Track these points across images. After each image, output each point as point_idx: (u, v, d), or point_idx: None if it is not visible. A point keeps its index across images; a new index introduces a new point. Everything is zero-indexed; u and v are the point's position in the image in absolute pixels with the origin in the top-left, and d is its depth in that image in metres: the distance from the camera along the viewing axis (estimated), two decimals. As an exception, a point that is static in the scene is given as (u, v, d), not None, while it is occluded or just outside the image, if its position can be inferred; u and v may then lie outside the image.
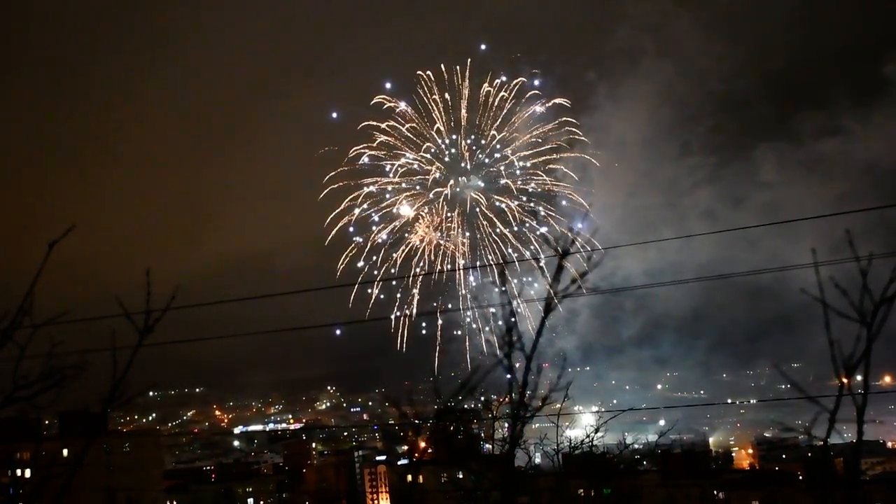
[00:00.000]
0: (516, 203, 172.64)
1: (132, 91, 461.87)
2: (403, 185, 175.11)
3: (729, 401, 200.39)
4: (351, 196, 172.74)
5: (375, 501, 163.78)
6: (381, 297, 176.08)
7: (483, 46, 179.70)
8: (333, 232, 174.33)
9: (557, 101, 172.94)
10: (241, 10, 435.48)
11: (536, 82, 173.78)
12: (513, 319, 6.86)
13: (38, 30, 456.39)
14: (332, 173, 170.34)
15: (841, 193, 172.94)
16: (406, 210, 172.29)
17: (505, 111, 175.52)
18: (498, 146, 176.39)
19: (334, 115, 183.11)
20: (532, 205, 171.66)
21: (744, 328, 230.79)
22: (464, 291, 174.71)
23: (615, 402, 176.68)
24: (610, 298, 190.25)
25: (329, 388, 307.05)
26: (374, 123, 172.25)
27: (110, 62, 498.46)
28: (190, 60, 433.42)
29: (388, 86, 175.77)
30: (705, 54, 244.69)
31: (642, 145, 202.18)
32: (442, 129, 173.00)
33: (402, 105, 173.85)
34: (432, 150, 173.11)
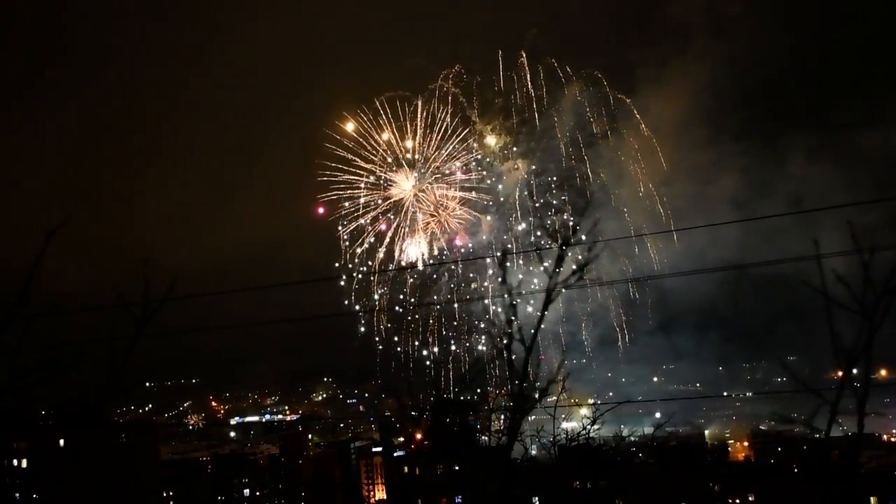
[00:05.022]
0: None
1: (141, 81, 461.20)
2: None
3: (725, 393, 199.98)
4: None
5: (371, 492, 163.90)
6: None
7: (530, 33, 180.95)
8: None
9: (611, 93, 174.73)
10: (260, 12, 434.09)
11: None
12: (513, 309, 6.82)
13: (54, 19, 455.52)
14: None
15: (876, 183, 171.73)
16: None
17: (550, 98, 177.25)
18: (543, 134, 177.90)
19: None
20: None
21: (759, 321, 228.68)
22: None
23: (611, 394, 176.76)
24: (626, 290, 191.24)
25: (325, 379, 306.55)
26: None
27: (119, 51, 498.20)
28: (203, 53, 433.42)
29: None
30: (752, 38, 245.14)
31: (677, 132, 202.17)
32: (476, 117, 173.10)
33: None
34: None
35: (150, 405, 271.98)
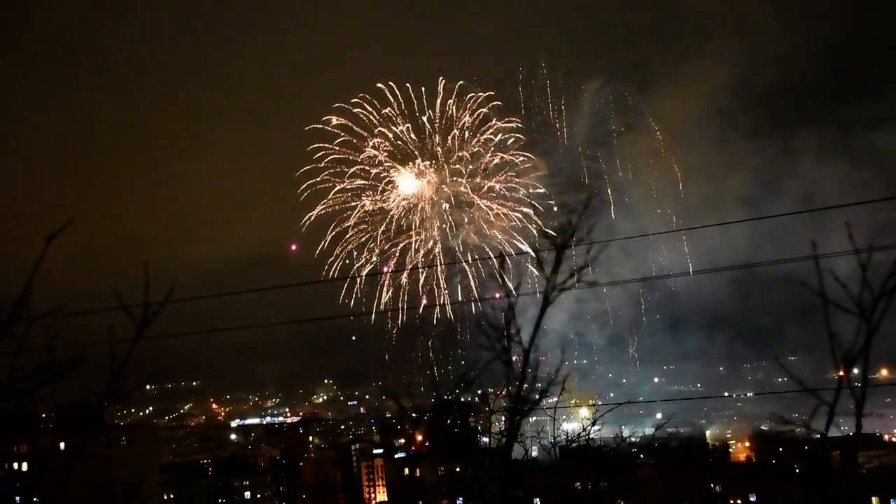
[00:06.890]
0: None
1: (138, 84, 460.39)
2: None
3: (726, 394, 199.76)
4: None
5: (372, 494, 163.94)
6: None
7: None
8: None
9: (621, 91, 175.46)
10: (265, 15, 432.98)
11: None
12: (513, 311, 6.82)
13: (45, 24, 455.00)
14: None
15: (888, 182, 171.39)
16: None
17: (567, 98, 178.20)
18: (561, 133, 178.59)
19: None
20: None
21: (765, 320, 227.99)
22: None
23: (612, 395, 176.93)
24: (633, 292, 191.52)
25: (326, 380, 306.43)
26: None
27: (115, 54, 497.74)
28: (206, 53, 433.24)
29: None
30: (768, 35, 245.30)
31: (691, 130, 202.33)
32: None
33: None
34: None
35: (151, 408, 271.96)
